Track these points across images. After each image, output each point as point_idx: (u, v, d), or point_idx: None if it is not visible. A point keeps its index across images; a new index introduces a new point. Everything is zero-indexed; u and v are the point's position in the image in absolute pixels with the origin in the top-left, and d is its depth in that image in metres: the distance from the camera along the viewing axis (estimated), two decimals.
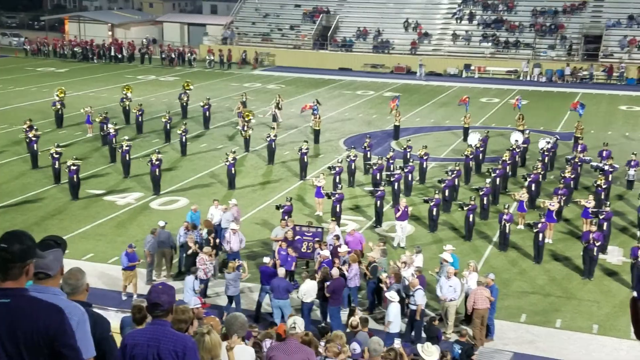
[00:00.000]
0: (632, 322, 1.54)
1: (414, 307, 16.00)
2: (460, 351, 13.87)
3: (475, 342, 15.44)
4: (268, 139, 30.26)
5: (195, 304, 13.01)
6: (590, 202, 22.26)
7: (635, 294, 1.54)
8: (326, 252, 18.03)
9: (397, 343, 12.50)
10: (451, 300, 16.36)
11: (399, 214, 21.48)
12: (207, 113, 36.47)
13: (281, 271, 16.86)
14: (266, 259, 17.85)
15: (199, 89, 45.02)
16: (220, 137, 35.02)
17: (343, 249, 17.97)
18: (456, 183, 25.25)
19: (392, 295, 15.41)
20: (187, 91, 39.38)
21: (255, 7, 65.78)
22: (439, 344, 14.03)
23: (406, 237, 21.88)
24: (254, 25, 64.44)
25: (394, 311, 15.22)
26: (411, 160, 27.78)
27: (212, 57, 59.17)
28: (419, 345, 11.65)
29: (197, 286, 16.74)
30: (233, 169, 26.75)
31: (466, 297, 16.58)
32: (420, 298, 15.96)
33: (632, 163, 26.58)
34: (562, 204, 23.11)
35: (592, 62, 52.75)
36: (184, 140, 31.32)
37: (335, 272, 16.56)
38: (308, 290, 16.32)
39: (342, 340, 10.44)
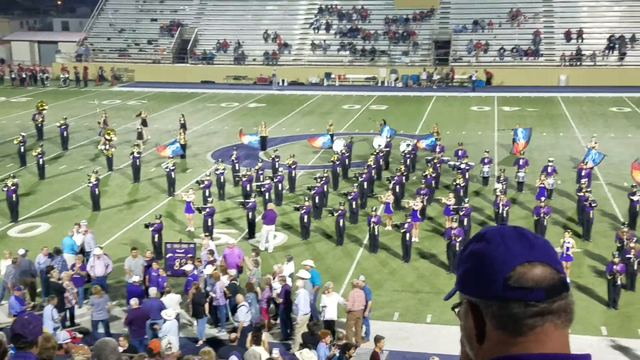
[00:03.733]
0: (474, 325, 1.63)
1: (236, 324, 15.65)
2: (338, 353, 14.12)
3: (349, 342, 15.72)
4: (132, 157, 29.46)
5: (65, 338, 12.35)
6: (450, 200, 23.40)
7: (464, 301, 1.64)
8: (189, 267, 17.93)
9: (276, 353, 12.57)
10: (304, 314, 16.27)
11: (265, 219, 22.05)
12: (65, 133, 34.95)
13: (152, 291, 16.51)
14: (136, 278, 17.41)
15: (54, 108, 43.03)
16: (80, 157, 33.67)
17: (207, 269, 17.73)
18: (325, 189, 25.73)
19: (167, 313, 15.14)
20: (42, 111, 37.53)
21: (110, 22, 63.86)
22: (317, 348, 14.24)
23: (279, 246, 22.05)
24: (110, 40, 62.52)
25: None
26: (280, 169, 28.00)
27: (66, 75, 56.82)
28: (297, 352, 11.78)
29: (55, 315, 15.92)
30: (97, 189, 25.81)
31: (327, 322, 16.46)
32: (242, 315, 15.67)
33: (486, 160, 28.23)
34: (425, 203, 24.13)
35: (443, 66, 55.46)
36: (41, 162, 29.82)
37: (134, 301, 15.70)
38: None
39: (211, 355, 10.42)
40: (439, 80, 53.94)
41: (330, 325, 16.42)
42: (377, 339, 14.31)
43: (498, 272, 1.54)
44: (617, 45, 54.19)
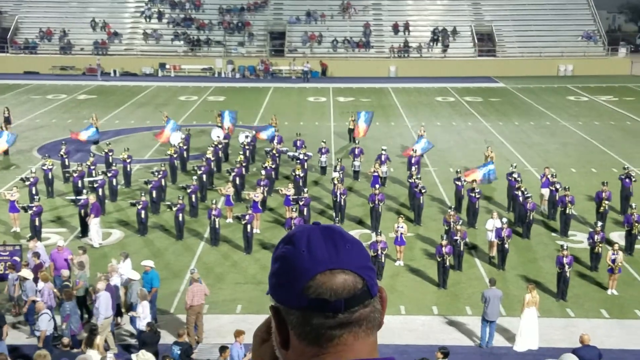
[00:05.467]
0: (277, 331, 1.56)
1: (37, 334, 14.56)
2: (179, 352, 13.84)
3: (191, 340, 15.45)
4: None
5: None
6: (290, 190, 23.67)
7: (273, 303, 1.56)
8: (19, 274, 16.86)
9: (110, 356, 12.13)
10: (106, 318, 15.39)
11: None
12: None
13: None
14: None
15: None
16: None
17: (24, 273, 16.51)
18: (163, 183, 25.09)
19: None
20: None
21: None
22: (157, 348, 13.90)
23: (116, 243, 21.25)
24: None
25: None
26: (114, 164, 26.94)
27: None
28: (133, 355, 11.41)
29: None
30: None
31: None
32: (44, 324, 14.53)
33: (323, 150, 28.85)
34: (265, 194, 24.23)
35: (279, 58, 55.94)
36: None
37: None
38: None
39: (47, 359, 9.98)
40: (278, 71, 54.39)
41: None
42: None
43: (298, 281, 1.48)
44: (440, 38, 57.46)
